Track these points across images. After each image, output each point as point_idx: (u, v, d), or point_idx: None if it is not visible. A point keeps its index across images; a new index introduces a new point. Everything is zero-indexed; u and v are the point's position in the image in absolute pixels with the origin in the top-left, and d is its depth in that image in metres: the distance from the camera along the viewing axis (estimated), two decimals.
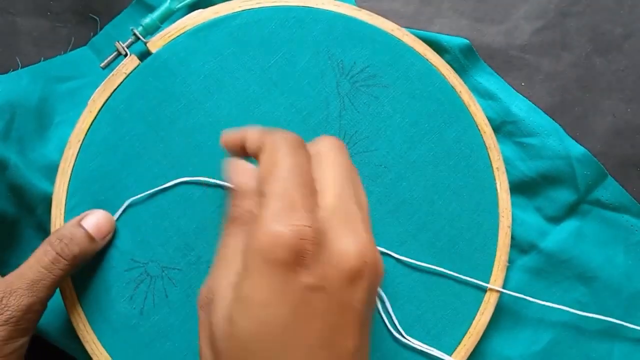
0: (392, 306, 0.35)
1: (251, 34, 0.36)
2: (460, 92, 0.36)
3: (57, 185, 0.34)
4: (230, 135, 0.28)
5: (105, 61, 0.36)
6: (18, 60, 0.38)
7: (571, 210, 0.39)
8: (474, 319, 0.35)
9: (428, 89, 0.36)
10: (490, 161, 0.36)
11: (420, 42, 0.36)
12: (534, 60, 0.41)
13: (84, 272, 0.34)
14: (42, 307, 0.31)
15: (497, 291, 0.35)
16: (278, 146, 0.24)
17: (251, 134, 0.27)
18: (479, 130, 0.36)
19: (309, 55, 0.36)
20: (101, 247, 0.33)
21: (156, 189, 0.35)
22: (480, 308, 0.35)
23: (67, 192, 0.35)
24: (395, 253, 0.35)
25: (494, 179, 0.36)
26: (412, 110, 0.36)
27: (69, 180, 0.35)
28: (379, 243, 0.35)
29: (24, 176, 0.35)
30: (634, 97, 0.41)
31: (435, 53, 0.36)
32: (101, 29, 0.40)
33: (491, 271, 0.35)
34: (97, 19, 0.40)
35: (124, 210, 0.34)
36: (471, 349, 0.35)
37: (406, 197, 0.36)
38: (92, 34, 0.40)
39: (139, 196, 0.34)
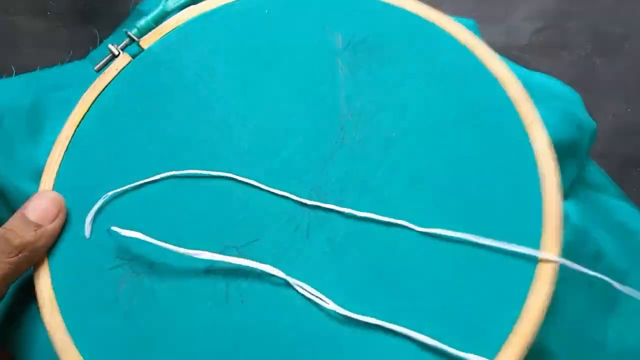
0: (417, 293, 0.28)
1: (243, 20, 0.35)
2: (473, 47, 0.32)
3: (43, 181, 0.32)
4: None
5: (100, 64, 0.36)
6: (13, 68, 0.38)
7: (571, 188, 0.35)
8: (526, 299, 0.28)
9: (438, 51, 0.33)
10: (520, 115, 0.31)
11: (425, 5, 0.34)
12: (534, 60, 0.41)
13: (64, 275, 0.30)
14: None
15: (553, 261, 0.28)
16: None
17: None
18: (501, 84, 0.32)
19: (304, 33, 0.34)
20: (56, 230, 0.30)
21: (140, 182, 0.31)
22: (533, 284, 0.28)
23: (52, 189, 0.32)
24: (417, 235, 0.29)
25: (527, 133, 0.31)
26: (422, 74, 0.32)
27: (55, 177, 0.32)
28: (395, 216, 0.30)
29: (9, 179, 0.33)
30: (634, 97, 0.41)
31: (442, 13, 0.33)
32: (101, 42, 0.40)
33: (540, 237, 0.29)
34: (96, 32, 0.40)
35: (105, 204, 0.31)
36: (529, 338, 0.27)
37: (427, 164, 0.31)
38: (90, 48, 0.40)
39: (119, 190, 0.31)
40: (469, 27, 0.35)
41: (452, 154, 0.31)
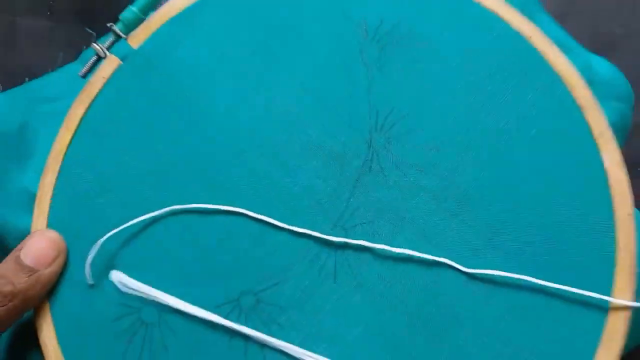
0: (467, 343, 0.24)
1: (244, 7, 0.29)
2: (530, 37, 0.26)
3: (35, 217, 0.28)
4: None
5: (84, 68, 0.31)
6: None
7: None
8: (594, 354, 0.24)
9: (485, 40, 0.27)
10: (589, 125, 0.25)
11: None
12: None
13: (69, 325, 0.27)
14: None
15: (626, 308, 0.24)
16: None
17: None
18: (565, 84, 0.26)
19: (319, 20, 0.28)
20: (54, 275, 0.27)
21: (140, 218, 0.27)
22: (604, 337, 0.24)
23: (46, 225, 0.28)
24: (466, 267, 0.25)
25: (598, 149, 0.25)
26: (466, 70, 0.27)
27: (48, 212, 0.28)
28: (438, 254, 0.25)
29: (1, 214, 0.30)
30: (634, 97, 0.36)
31: None
32: (95, 40, 0.35)
33: (612, 281, 0.24)
34: (94, 33, 0.36)
35: (105, 243, 0.27)
36: None
37: (472, 189, 0.26)
38: (84, 47, 0.36)
39: (117, 229, 0.27)
40: (526, 3, 0.28)
41: (507, 174, 0.26)
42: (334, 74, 0.28)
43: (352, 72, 0.27)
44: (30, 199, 0.30)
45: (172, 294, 0.27)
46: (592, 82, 0.26)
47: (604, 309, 0.24)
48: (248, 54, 0.28)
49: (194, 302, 0.27)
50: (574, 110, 0.25)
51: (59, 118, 0.32)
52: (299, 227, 0.26)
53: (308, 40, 0.28)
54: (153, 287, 0.27)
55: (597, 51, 0.36)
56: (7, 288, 0.26)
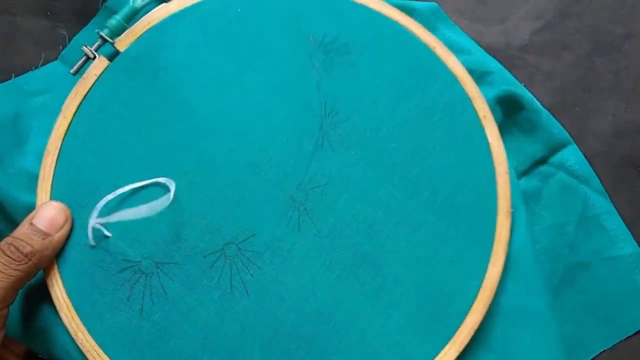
0: (397, 271, 0.33)
1: (217, 20, 0.36)
2: (434, 47, 0.36)
3: (39, 192, 0.33)
4: None
5: (75, 67, 0.36)
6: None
7: (535, 167, 0.39)
8: (486, 271, 0.34)
9: (402, 50, 0.36)
10: (476, 111, 0.35)
11: (388, 5, 0.36)
12: (534, 60, 0.40)
13: (76, 279, 0.33)
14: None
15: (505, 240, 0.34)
16: None
17: None
18: (460, 82, 0.36)
19: (278, 33, 0.36)
20: (63, 239, 0.32)
21: (130, 186, 0.33)
22: (491, 259, 0.34)
23: (49, 198, 0.33)
24: (393, 216, 0.34)
25: (483, 128, 0.35)
26: (389, 71, 0.36)
27: (51, 187, 0.34)
28: (373, 207, 0.34)
29: (3, 190, 0.34)
30: (634, 97, 0.41)
31: (404, 14, 0.36)
32: (69, 40, 0.40)
33: (495, 220, 0.34)
34: (65, 34, 0.39)
35: (100, 213, 0.33)
36: (488, 302, 0.33)
37: (397, 159, 0.35)
38: (61, 47, 0.40)
39: (107, 198, 0.33)
40: (433, 8, 0.38)
41: (420, 146, 0.35)
42: (291, 74, 0.36)
43: (305, 73, 0.36)
44: (30, 178, 0.35)
45: (166, 248, 0.33)
46: (488, 72, 0.36)
47: (491, 240, 0.34)
48: (223, 58, 0.35)
49: (185, 255, 0.33)
50: (466, 100, 0.35)
51: (47, 109, 0.37)
52: (270, 191, 0.34)
53: (270, 48, 0.36)
54: (150, 244, 0.33)
55: (597, 51, 0.40)
56: (27, 249, 0.31)
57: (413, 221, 0.34)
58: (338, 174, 0.34)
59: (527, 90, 0.39)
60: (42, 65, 0.39)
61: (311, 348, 0.33)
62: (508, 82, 0.38)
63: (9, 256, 0.30)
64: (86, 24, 0.40)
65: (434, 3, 0.40)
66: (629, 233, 0.39)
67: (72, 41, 0.39)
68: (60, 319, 0.32)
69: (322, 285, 0.33)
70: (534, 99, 0.39)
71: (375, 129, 0.35)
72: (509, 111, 0.38)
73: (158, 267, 0.33)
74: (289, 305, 0.33)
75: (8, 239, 0.31)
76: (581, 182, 0.39)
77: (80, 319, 0.32)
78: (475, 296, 0.33)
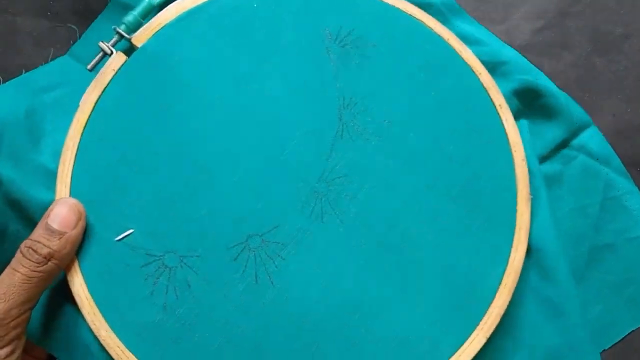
0: (419, 259, 0.33)
1: (233, 16, 0.36)
2: (448, 39, 0.37)
3: (59, 188, 0.33)
4: None
5: (92, 62, 0.36)
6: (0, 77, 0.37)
7: (557, 151, 0.39)
8: (509, 257, 0.34)
9: (416, 42, 0.37)
10: (492, 100, 0.36)
11: (402, 0, 0.37)
12: (534, 60, 0.40)
13: (98, 276, 0.32)
14: (22, 313, 0.30)
15: (526, 226, 0.34)
16: None
17: None
18: (475, 72, 0.36)
19: (294, 28, 0.36)
20: (79, 235, 0.32)
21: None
22: (513, 245, 0.34)
23: (69, 194, 0.33)
24: (414, 205, 0.34)
25: (499, 116, 0.36)
26: (405, 64, 0.36)
27: (70, 183, 0.33)
28: (394, 197, 0.34)
29: (21, 189, 0.34)
30: (634, 97, 0.41)
31: (418, 7, 0.37)
32: (80, 36, 0.39)
33: (515, 207, 0.35)
34: (76, 28, 0.39)
35: (126, 206, 0.33)
36: (512, 289, 0.33)
37: (416, 148, 0.35)
38: (71, 42, 0.40)
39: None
40: (446, 5, 0.39)
41: (439, 137, 0.35)
42: (308, 67, 0.36)
43: (322, 66, 0.36)
44: (48, 174, 0.35)
45: (189, 241, 0.33)
46: (502, 62, 0.36)
47: (512, 227, 0.34)
48: (240, 53, 0.36)
49: (208, 247, 0.33)
50: (481, 90, 0.36)
51: (61, 104, 0.37)
52: (291, 182, 0.34)
53: (286, 43, 0.36)
54: (172, 238, 0.33)
55: (597, 51, 0.40)
56: (45, 250, 0.30)
57: (433, 209, 0.34)
58: (358, 164, 0.35)
59: (542, 75, 0.39)
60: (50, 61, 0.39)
61: (337, 339, 0.32)
62: (523, 71, 0.39)
63: (29, 259, 0.30)
64: (86, 24, 0.39)
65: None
66: None
67: (82, 37, 0.39)
68: (82, 318, 0.32)
69: (347, 275, 0.33)
70: (551, 83, 0.39)
71: (393, 119, 0.35)
72: (526, 99, 0.39)
73: (182, 260, 0.33)
74: (314, 296, 0.33)
75: (27, 242, 0.31)
76: (602, 163, 0.39)
77: (103, 316, 0.32)
78: (499, 283, 0.34)
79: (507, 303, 0.33)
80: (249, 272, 0.33)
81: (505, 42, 0.40)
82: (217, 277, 0.33)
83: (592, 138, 0.39)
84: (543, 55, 0.42)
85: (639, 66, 0.41)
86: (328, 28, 0.36)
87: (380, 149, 0.35)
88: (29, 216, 0.34)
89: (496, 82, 0.37)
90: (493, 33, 0.41)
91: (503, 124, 0.36)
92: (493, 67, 0.39)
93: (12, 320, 0.29)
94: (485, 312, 0.33)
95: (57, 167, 0.33)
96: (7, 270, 0.30)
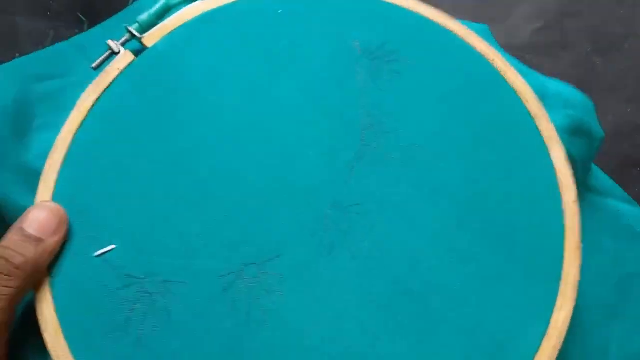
0: (442, 310, 0.28)
1: (254, 21, 0.33)
2: (493, 60, 0.32)
3: (40, 191, 0.29)
4: None
5: (97, 61, 0.33)
6: None
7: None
8: (550, 316, 0.28)
9: (455, 61, 0.32)
10: (540, 131, 0.31)
11: (439, 11, 0.33)
12: (534, 60, 0.40)
13: (69, 296, 0.28)
14: (1, 342, 0.27)
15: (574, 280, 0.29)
16: None
17: None
18: (521, 98, 0.32)
19: (320, 37, 0.33)
20: (58, 244, 0.28)
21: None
22: (557, 302, 0.28)
23: (51, 199, 0.29)
24: (440, 245, 0.29)
25: (547, 150, 0.31)
26: (441, 83, 0.32)
27: (54, 189, 0.30)
28: (417, 234, 0.29)
29: (3, 191, 0.30)
30: (634, 97, 0.41)
31: (458, 22, 0.33)
32: (89, 27, 0.37)
33: (562, 256, 0.29)
34: (85, 19, 0.37)
35: (110, 219, 0.29)
36: (554, 355, 0.27)
37: (446, 179, 0.30)
38: (77, 31, 0.37)
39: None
40: (481, 32, 0.34)
41: (473, 168, 0.30)
42: (331, 81, 0.32)
43: (346, 80, 0.32)
44: (30, 175, 0.31)
45: (175, 264, 0.29)
46: (545, 96, 0.32)
47: (557, 280, 0.29)
48: (256, 60, 0.32)
49: (197, 273, 0.28)
50: (528, 119, 0.31)
51: (55, 98, 0.34)
52: (299, 207, 0.30)
53: (309, 53, 0.32)
54: (157, 258, 0.29)
55: (597, 51, 0.40)
56: (18, 259, 0.26)
57: (463, 253, 0.29)
58: (378, 192, 0.30)
59: (594, 115, 0.35)
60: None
61: None
62: (571, 106, 0.34)
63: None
64: (86, 24, 0.38)
65: (484, 25, 0.37)
66: None
67: (90, 30, 0.36)
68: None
69: (354, 321, 0.28)
70: (598, 126, 0.36)
71: (422, 144, 0.31)
72: (571, 136, 0.34)
73: (164, 285, 0.28)
74: (313, 343, 0.28)
75: None
76: (607, 196, 0.37)
77: (67, 344, 0.27)
78: (537, 347, 0.28)
79: None
80: (239, 306, 0.28)
81: (505, 42, 0.40)
82: (203, 309, 0.28)
83: (591, 174, 0.37)
84: (543, 55, 0.42)
85: (639, 66, 0.41)
86: (357, 40, 0.33)
87: (404, 177, 0.30)
88: (5, 222, 0.31)
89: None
90: (493, 33, 0.40)
91: (552, 160, 0.30)
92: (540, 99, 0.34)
93: None
94: None
95: (41, 169, 0.30)
96: None
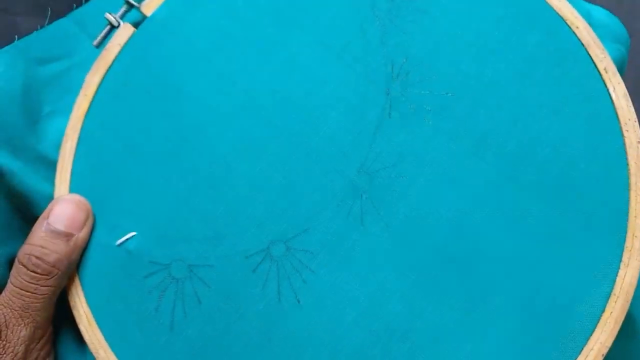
0: (493, 276, 0.25)
1: None
2: None
3: (57, 184, 0.28)
4: None
5: (98, 38, 0.31)
6: None
7: None
8: (616, 274, 0.25)
9: None
10: (594, 62, 0.27)
11: None
12: None
13: (97, 287, 0.27)
14: (46, 331, 0.27)
15: None
16: None
17: None
18: (569, 26, 0.27)
19: None
20: (87, 238, 0.27)
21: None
22: (624, 258, 0.25)
23: (69, 191, 0.28)
24: (487, 203, 0.26)
25: (604, 83, 0.26)
26: (474, 17, 0.28)
27: (70, 180, 0.29)
28: (459, 193, 0.26)
29: (23, 182, 0.29)
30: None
31: None
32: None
33: (628, 206, 0.25)
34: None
35: (133, 204, 0.28)
36: (622, 316, 0.24)
37: (489, 128, 0.27)
38: (74, 5, 0.35)
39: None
40: None
41: (521, 113, 0.27)
42: (347, 30, 0.29)
43: (366, 26, 0.28)
44: (49, 166, 0.30)
45: (200, 248, 0.27)
46: (591, 25, 0.27)
47: (623, 234, 0.25)
48: (265, 16, 0.29)
49: (223, 256, 0.27)
50: (579, 48, 0.27)
51: (61, 81, 0.32)
52: (325, 175, 0.27)
53: (319, 3, 0.29)
54: (181, 243, 0.27)
55: None
56: (52, 257, 0.26)
57: (514, 210, 0.26)
58: (411, 150, 0.27)
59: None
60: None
61: None
62: (618, 39, 0.30)
63: (33, 271, 0.26)
64: None
65: None
66: None
67: (89, 3, 0.34)
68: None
69: (394, 294, 0.26)
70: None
71: (458, 91, 0.27)
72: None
73: (191, 270, 0.27)
74: (352, 319, 0.26)
75: (25, 249, 0.26)
76: None
77: (103, 334, 0.27)
78: (602, 308, 0.25)
79: (613, 336, 0.24)
80: (270, 287, 0.26)
81: None
82: (233, 292, 0.27)
83: None
84: None
85: (639, 66, 0.39)
86: None
87: (440, 130, 0.27)
88: (33, 212, 0.30)
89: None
90: None
91: (610, 95, 0.26)
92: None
93: (40, 342, 0.27)
94: (582, 349, 0.24)
95: (57, 158, 0.29)
96: (13, 289, 0.26)
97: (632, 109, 0.26)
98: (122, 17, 0.31)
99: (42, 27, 0.33)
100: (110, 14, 0.31)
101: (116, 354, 0.27)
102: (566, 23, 0.27)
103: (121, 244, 0.27)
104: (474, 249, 0.26)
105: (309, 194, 0.27)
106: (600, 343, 0.24)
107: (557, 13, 0.27)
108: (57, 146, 0.29)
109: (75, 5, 0.34)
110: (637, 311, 0.29)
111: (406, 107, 0.27)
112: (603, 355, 0.24)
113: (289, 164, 0.27)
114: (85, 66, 0.30)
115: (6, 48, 0.31)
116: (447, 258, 0.26)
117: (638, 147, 0.26)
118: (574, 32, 0.27)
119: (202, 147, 0.28)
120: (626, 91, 0.26)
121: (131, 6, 0.31)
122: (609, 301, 0.25)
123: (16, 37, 0.32)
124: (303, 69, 0.28)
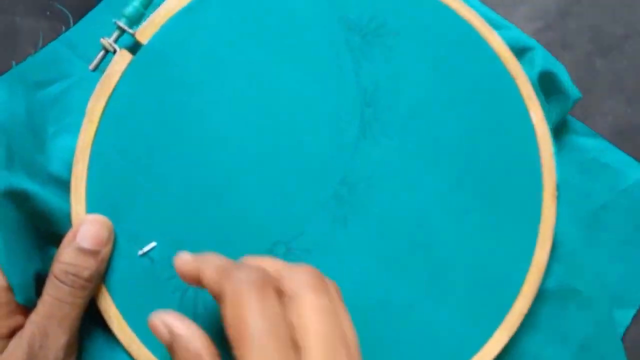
0: (448, 258, 0.33)
1: (243, 4, 0.33)
2: (472, 22, 0.34)
3: (74, 205, 0.32)
4: (183, 265, 0.27)
5: (94, 62, 0.33)
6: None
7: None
8: (533, 255, 0.34)
9: (442, 28, 0.34)
10: (520, 91, 0.34)
11: None
12: None
13: (123, 291, 0.32)
14: (76, 341, 0.31)
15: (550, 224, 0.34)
16: (243, 299, 0.23)
17: (209, 274, 0.26)
18: (501, 59, 0.34)
19: (311, 17, 0.34)
20: (109, 253, 0.31)
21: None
22: (538, 242, 0.34)
23: (85, 210, 0.32)
24: (440, 205, 0.34)
25: (527, 109, 0.34)
26: (430, 52, 0.34)
27: (85, 197, 0.32)
28: (421, 198, 0.33)
29: (42, 202, 0.32)
30: (634, 97, 0.41)
31: None
32: (74, 23, 0.36)
33: (541, 202, 0.34)
34: (69, 13, 0.36)
35: (141, 215, 0.32)
36: (537, 286, 0.34)
37: (442, 145, 0.34)
38: (63, 27, 0.37)
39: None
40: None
41: (466, 131, 0.34)
42: (327, 61, 0.34)
43: (342, 59, 0.34)
44: (59, 185, 0.33)
45: (214, 251, 0.32)
46: (527, 48, 0.35)
47: (537, 224, 0.34)
48: (250, 45, 0.33)
49: (233, 257, 0.32)
50: (508, 80, 0.34)
51: (60, 101, 0.35)
52: (312, 186, 0.33)
53: (302, 33, 0.34)
54: (195, 249, 0.32)
55: (597, 51, 0.41)
56: (86, 273, 0.30)
57: (461, 208, 0.34)
58: (382, 165, 0.34)
59: (564, 71, 0.37)
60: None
61: (365, 338, 0.33)
62: (548, 61, 0.37)
63: (71, 286, 0.29)
64: (71, 19, 0.37)
65: None
66: (632, 159, 0.40)
67: (78, 24, 0.36)
68: (109, 338, 0.32)
69: (375, 277, 0.33)
70: (571, 82, 0.38)
71: (418, 115, 0.34)
72: (546, 90, 0.37)
73: None
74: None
75: (60, 266, 0.30)
76: (571, 132, 0.40)
77: (133, 331, 0.32)
78: (523, 280, 0.34)
79: (530, 300, 0.34)
80: None
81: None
82: None
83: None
84: None
85: (639, 66, 0.41)
86: (347, 17, 0.34)
87: (405, 148, 0.34)
88: (59, 230, 0.33)
89: (522, 66, 0.35)
90: None
91: (531, 117, 0.34)
92: (519, 52, 0.36)
93: (71, 350, 0.30)
94: (510, 309, 0.34)
95: (68, 177, 0.32)
96: (51, 302, 0.29)
97: (547, 130, 0.34)
98: (116, 41, 0.33)
99: (41, 26, 0.34)
100: (105, 39, 0.33)
101: (147, 347, 0.32)
102: (499, 58, 0.34)
103: (143, 254, 0.32)
104: (434, 239, 0.33)
105: (302, 202, 0.33)
106: (522, 305, 0.33)
107: (493, 49, 0.34)
108: (66, 164, 0.32)
109: (64, 28, 0.35)
110: (581, 286, 0.37)
111: (377, 129, 0.34)
112: (523, 314, 0.33)
113: (283, 178, 0.33)
114: (82, 86, 0.33)
115: (4, 77, 0.33)
116: (414, 247, 0.33)
117: (550, 159, 0.34)
118: (505, 66, 0.34)
119: (205, 163, 0.33)
120: (543, 115, 0.34)
121: (123, 31, 0.33)
122: (527, 275, 0.34)
123: (14, 62, 0.33)
124: (288, 93, 0.33)
